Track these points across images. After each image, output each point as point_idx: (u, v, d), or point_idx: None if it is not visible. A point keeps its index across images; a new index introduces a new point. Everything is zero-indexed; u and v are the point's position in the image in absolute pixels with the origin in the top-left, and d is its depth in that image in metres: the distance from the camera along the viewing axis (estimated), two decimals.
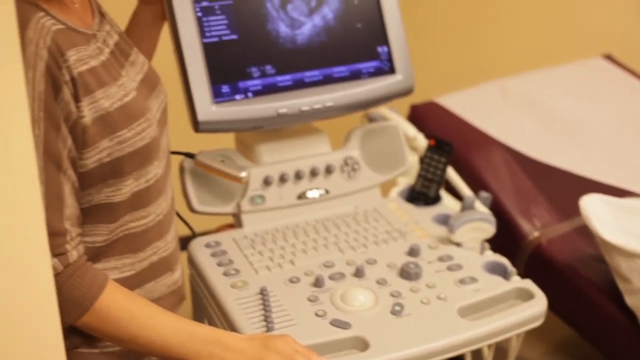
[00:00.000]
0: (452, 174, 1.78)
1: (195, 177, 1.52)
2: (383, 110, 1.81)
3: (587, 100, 2.37)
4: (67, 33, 1.11)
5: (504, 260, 1.49)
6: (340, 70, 1.56)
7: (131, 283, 1.22)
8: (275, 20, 1.51)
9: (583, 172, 2.10)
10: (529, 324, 1.39)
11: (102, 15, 1.26)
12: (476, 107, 2.30)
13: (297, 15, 1.53)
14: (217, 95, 1.45)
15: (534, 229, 1.94)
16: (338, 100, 1.54)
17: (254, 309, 1.33)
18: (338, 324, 1.30)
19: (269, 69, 1.51)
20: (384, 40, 1.60)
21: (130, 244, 1.22)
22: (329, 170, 1.60)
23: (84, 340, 1.19)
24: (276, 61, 1.51)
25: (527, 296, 1.41)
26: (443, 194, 1.71)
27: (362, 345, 1.27)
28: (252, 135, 1.59)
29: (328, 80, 1.55)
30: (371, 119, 1.80)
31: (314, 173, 1.58)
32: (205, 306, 1.43)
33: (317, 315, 1.32)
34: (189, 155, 1.50)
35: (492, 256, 1.52)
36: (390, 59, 1.60)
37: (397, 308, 1.34)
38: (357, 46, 1.58)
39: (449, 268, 1.45)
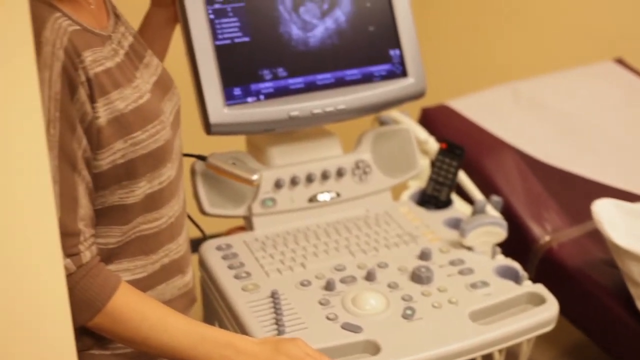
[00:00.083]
0: (463, 177, 1.78)
1: (206, 179, 1.52)
2: (394, 113, 1.81)
3: (598, 104, 2.36)
4: (83, 34, 1.11)
5: (516, 265, 1.49)
6: (352, 73, 1.56)
7: (143, 285, 1.22)
8: (288, 23, 1.51)
9: (594, 176, 2.09)
10: (541, 328, 1.39)
11: (117, 16, 1.26)
12: (487, 110, 2.29)
13: (309, 18, 1.53)
14: (229, 98, 1.45)
15: (545, 233, 1.93)
16: (350, 103, 1.54)
17: (265, 312, 1.33)
18: (349, 327, 1.29)
19: (281, 71, 1.51)
20: (396, 44, 1.59)
21: (143, 246, 1.22)
22: (340, 173, 1.59)
23: (95, 341, 1.19)
24: (288, 64, 1.51)
25: (539, 301, 1.41)
26: (454, 197, 1.71)
27: (374, 349, 1.27)
28: (263, 137, 1.59)
29: (340, 83, 1.55)
30: (382, 122, 1.79)
31: (325, 176, 1.58)
32: (216, 309, 1.43)
33: (328, 318, 1.32)
34: (201, 158, 1.50)
35: (503, 260, 1.51)
36: (402, 62, 1.60)
37: (409, 312, 1.33)
38: (369, 49, 1.58)
39: (461, 272, 1.45)
